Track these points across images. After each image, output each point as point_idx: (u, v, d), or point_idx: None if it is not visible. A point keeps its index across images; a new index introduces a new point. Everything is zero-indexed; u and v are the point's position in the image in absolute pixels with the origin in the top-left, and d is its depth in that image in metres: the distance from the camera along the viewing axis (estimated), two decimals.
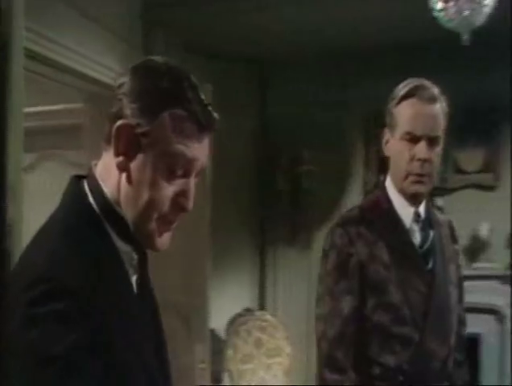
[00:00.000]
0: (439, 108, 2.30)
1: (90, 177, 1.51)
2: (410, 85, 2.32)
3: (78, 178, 1.54)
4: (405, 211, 2.35)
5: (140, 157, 1.45)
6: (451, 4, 3.92)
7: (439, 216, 2.51)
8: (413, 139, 2.29)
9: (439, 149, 2.29)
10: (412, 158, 2.29)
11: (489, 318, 5.68)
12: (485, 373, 5.60)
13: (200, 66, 5.24)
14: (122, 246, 1.50)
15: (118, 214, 1.48)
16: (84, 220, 1.47)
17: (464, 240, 5.67)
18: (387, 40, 5.52)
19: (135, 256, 1.54)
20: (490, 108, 5.72)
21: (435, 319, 2.30)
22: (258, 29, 5.35)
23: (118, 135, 1.45)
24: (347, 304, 2.30)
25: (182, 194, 1.48)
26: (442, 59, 5.53)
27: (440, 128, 2.29)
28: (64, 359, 1.30)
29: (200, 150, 1.48)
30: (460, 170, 5.85)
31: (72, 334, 1.30)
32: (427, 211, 2.39)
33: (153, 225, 1.48)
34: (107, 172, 1.49)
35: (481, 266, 5.71)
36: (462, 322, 2.51)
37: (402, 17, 5.03)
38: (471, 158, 5.87)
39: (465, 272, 5.59)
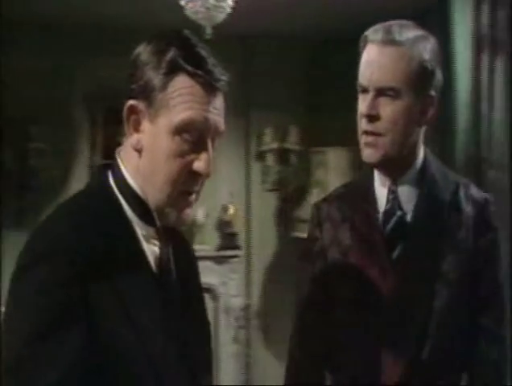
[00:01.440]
0: (401, 53, 1.83)
1: (114, 161, 1.54)
2: (371, 29, 1.90)
3: (105, 166, 1.56)
4: (381, 189, 1.94)
5: (152, 132, 1.47)
6: None
7: (470, 196, 1.94)
8: (364, 91, 1.87)
9: (400, 103, 1.82)
10: (361, 115, 1.89)
11: (206, 297, 6.04)
12: None
13: None
14: (143, 228, 1.51)
15: (137, 195, 1.50)
16: (101, 201, 1.50)
17: None
18: (119, 20, 5.48)
19: (156, 240, 1.53)
20: None
21: (392, 324, 1.85)
22: None
23: (128, 115, 1.49)
24: (309, 296, 2.03)
25: (198, 160, 1.48)
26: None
27: (398, 77, 1.82)
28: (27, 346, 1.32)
29: (212, 113, 1.48)
30: None
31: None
32: (420, 188, 1.91)
33: (173, 201, 1.48)
34: (128, 155, 1.52)
35: (198, 248, 6.06)
36: (486, 338, 1.92)
37: (155, 7, 5.13)
38: None
39: None
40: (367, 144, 1.87)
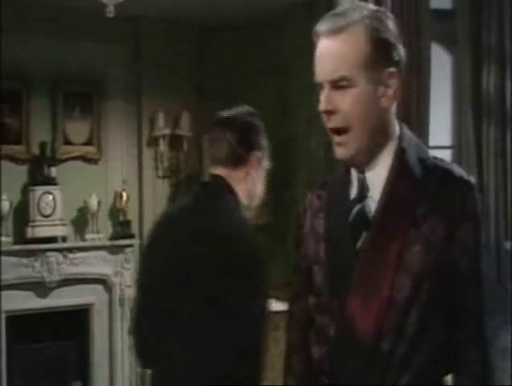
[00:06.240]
0: (348, 38, 1.72)
1: (224, 180, 2.35)
2: (320, 22, 1.77)
3: (217, 177, 2.36)
4: (355, 178, 1.83)
5: (260, 171, 2.41)
6: None
7: (450, 181, 1.77)
8: (321, 88, 1.76)
9: (356, 92, 1.71)
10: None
11: (99, 288, 5.84)
12: (96, 341, 5.77)
13: None
14: None
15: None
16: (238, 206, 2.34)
17: (74, 211, 5.80)
18: None
19: None
20: (86, 80, 5.82)
21: (352, 315, 1.75)
22: None
23: (254, 162, 2.38)
24: (295, 284, 1.98)
25: None
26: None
27: (347, 65, 1.71)
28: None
29: None
30: (68, 141, 5.75)
31: None
32: (391, 172, 1.77)
33: None
34: (236, 184, 2.36)
35: (91, 237, 5.80)
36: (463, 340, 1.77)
37: None
38: (78, 130, 5.92)
39: (76, 244, 5.69)
40: (337, 144, 1.76)
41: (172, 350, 2.21)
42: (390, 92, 1.75)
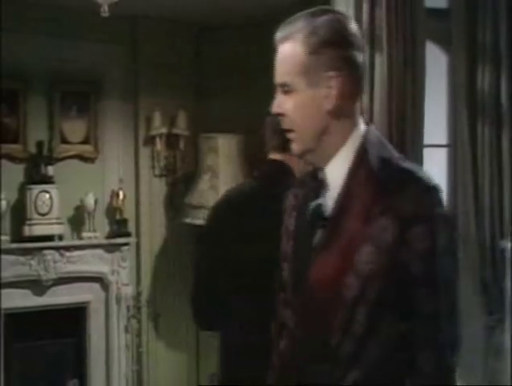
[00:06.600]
0: (292, 45, 1.80)
1: (283, 164, 2.67)
2: None
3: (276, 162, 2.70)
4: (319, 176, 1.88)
5: None
6: None
7: (409, 183, 1.75)
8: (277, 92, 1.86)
9: (296, 97, 1.79)
10: None
11: (96, 286, 5.81)
12: (93, 339, 5.77)
13: None
14: None
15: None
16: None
17: (71, 210, 5.79)
18: None
19: None
20: (84, 79, 5.80)
21: (307, 310, 1.81)
22: None
23: None
24: (275, 282, 2.02)
25: None
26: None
27: (287, 71, 1.79)
28: None
29: None
30: (65, 140, 5.74)
31: None
32: (352, 172, 1.79)
33: None
34: (292, 167, 2.66)
35: (88, 236, 5.77)
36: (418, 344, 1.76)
37: None
38: (74, 129, 5.91)
39: (73, 242, 5.69)
40: (290, 139, 1.86)
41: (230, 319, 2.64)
42: (334, 92, 1.78)
